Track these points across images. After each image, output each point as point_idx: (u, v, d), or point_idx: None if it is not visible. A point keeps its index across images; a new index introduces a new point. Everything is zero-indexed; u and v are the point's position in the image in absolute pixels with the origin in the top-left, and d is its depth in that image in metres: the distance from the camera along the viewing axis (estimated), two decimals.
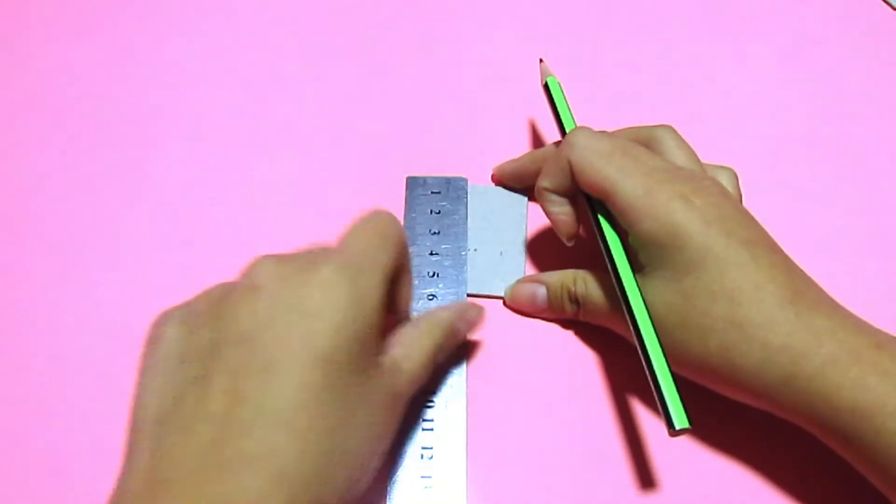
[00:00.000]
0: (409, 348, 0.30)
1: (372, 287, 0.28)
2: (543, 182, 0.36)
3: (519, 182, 0.42)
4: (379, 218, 0.31)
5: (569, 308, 0.37)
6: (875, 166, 0.44)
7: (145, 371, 0.27)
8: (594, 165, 0.33)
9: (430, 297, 0.38)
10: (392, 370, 0.29)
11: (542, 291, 0.37)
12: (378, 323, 0.28)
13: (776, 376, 0.29)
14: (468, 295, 0.39)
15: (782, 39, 0.49)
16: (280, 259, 0.28)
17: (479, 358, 0.37)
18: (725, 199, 0.33)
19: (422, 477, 0.33)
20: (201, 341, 0.26)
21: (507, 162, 0.42)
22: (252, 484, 0.23)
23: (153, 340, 0.28)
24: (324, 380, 0.25)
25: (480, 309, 0.35)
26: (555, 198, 0.36)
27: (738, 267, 0.30)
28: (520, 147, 0.44)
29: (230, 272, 0.37)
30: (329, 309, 0.26)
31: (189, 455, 0.24)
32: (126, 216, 0.42)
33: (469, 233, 0.40)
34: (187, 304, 0.29)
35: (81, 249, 0.40)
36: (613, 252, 0.34)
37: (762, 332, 0.30)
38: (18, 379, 0.36)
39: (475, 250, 0.40)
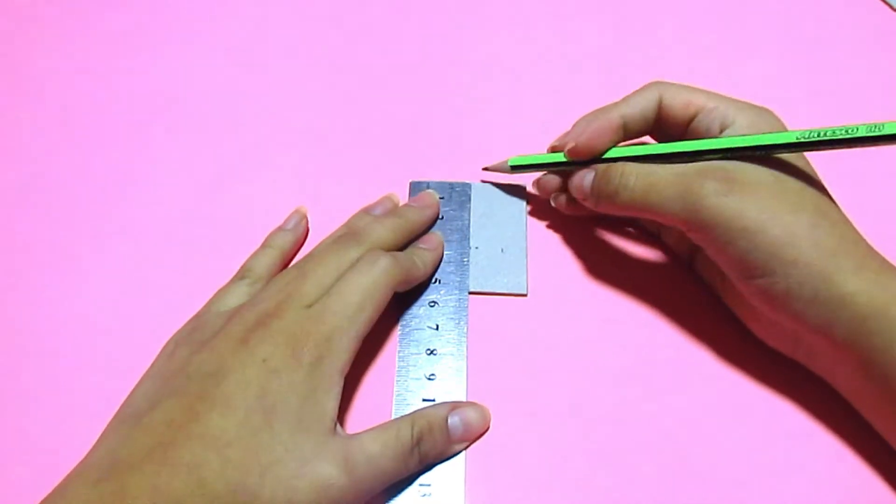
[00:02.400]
0: (376, 433, 0.31)
1: (334, 354, 0.31)
2: (625, 110, 0.36)
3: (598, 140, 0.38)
4: (370, 269, 0.33)
5: (610, 185, 0.35)
6: (875, 166, 0.43)
7: (145, 375, 0.33)
8: (687, 90, 0.35)
9: (432, 304, 0.37)
10: (347, 445, 0.30)
11: (589, 176, 0.36)
12: (335, 386, 0.31)
13: (851, 262, 0.30)
14: (470, 293, 0.38)
15: (782, 39, 0.48)
16: (267, 308, 0.32)
17: (478, 362, 0.36)
18: None
19: (420, 485, 0.32)
20: (192, 363, 0.31)
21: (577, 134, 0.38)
22: (178, 485, 0.27)
23: (162, 352, 0.34)
24: (264, 424, 0.29)
25: (482, 409, 0.34)
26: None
27: (818, 186, 0.33)
28: (521, 148, 0.43)
29: (229, 275, 0.37)
30: (287, 370, 0.30)
31: (145, 448, 0.28)
32: (126, 216, 0.41)
33: (470, 231, 0.40)
34: (195, 326, 0.34)
35: (80, 250, 0.40)
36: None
37: (840, 227, 0.32)
38: (16, 378, 0.36)
39: (476, 248, 0.39)
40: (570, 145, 0.36)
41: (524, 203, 0.41)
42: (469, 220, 0.40)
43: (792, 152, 0.32)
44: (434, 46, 0.48)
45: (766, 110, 0.34)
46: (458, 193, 0.41)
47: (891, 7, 0.49)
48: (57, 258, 0.40)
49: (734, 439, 0.34)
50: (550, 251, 0.40)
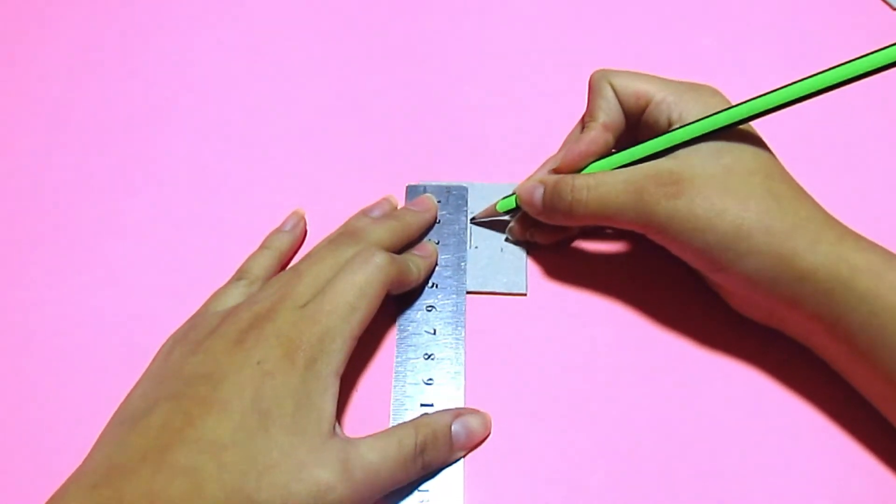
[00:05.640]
0: (377, 440, 0.30)
1: (328, 356, 0.30)
2: (605, 119, 0.36)
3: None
4: (364, 267, 0.32)
5: (563, 201, 0.35)
6: (876, 166, 0.42)
7: (143, 377, 0.33)
8: (635, 78, 0.36)
9: (429, 309, 0.36)
10: (346, 450, 0.29)
11: (539, 190, 0.36)
12: (330, 388, 0.30)
13: (805, 240, 0.31)
14: (469, 293, 0.37)
15: (782, 40, 0.48)
16: (261, 310, 0.32)
17: (477, 365, 0.35)
18: None
19: (419, 490, 0.32)
20: (188, 365, 0.30)
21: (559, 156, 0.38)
22: (174, 490, 0.26)
23: (160, 353, 0.34)
24: (259, 428, 0.28)
25: (483, 417, 0.34)
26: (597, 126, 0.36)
27: (770, 155, 0.34)
28: (521, 148, 0.42)
29: (227, 276, 0.37)
30: (281, 372, 0.29)
31: (141, 452, 0.27)
32: (125, 217, 0.41)
33: (470, 230, 0.39)
34: (192, 326, 0.33)
35: (79, 250, 0.40)
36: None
37: (794, 204, 0.32)
38: (15, 378, 0.36)
39: (476, 248, 0.39)
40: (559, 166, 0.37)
41: None
42: (466, 223, 0.40)
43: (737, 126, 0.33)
44: (431, 49, 0.47)
45: (709, 88, 0.35)
46: (454, 197, 0.40)
47: (891, 7, 0.48)
48: (56, 258, 0.40)
49: (736, 438, 0.34)
50: (549, 250, 0.39)
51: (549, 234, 0.38)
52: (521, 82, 0.46)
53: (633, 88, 0.35)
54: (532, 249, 0.39)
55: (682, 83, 0.35)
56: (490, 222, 0.39)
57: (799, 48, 0.47)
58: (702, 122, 0.33)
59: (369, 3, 0.50)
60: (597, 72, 0.37)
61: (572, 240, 0.39)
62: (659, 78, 0.36)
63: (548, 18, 0.49)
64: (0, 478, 0.33)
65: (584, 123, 0.37)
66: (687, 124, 0.33)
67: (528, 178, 0.37)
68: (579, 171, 0.36)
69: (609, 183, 0.34)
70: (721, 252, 0.32)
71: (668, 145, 0.33)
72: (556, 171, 0.36)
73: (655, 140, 0.34)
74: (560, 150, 0.39)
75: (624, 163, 0.35)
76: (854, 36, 0.47)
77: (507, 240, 0.39)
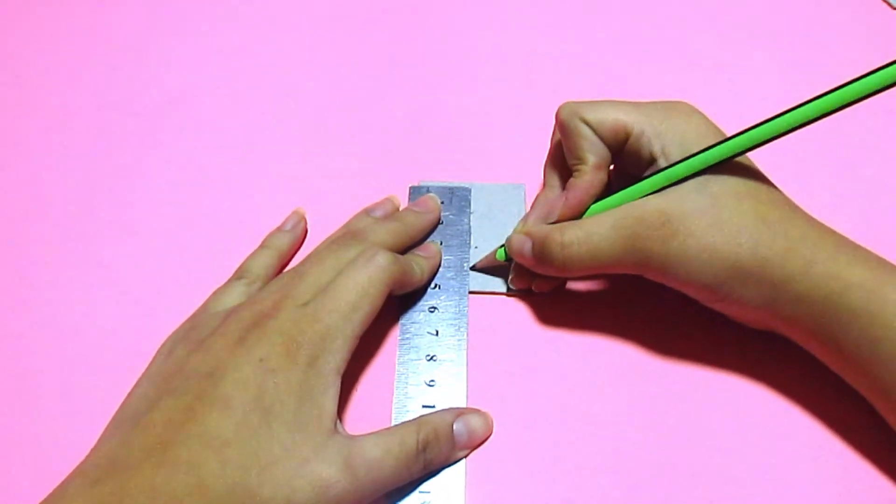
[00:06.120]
0: (380, 437, 0.30)
1: (329, 353, 0.30)
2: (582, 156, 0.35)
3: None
4: (366, 266, 0.33)
5: (556, 259, 0.34)
6: (876, 167, 0.42)
7: (143, 376, 0.33)
8: (606, 109, 0.34)
9: (432, 310, 0.36)
10: (348, 447, 0.29)
11: (528, 245, 0.35)
12: (332, 386, 0.30)
13: (799, 263, 0.31)
14: (470, 293, 0.37)
15: (782, 40, 0.48)
16: (265, 308, 0.32)
17: (479, 366, 0.35)
18: None
19: (420, 492, 0.32)
20: (189, 363, 0.30)
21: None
22: (176, 485, 0.26)
23: (160, 352, 0.34)
24: (262, 424, 0.28)
25: (485, 416, 0.34)
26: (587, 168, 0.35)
27: (755, 174, 0.33)
28: (525, 148, 0.42)
29: (227, 276, 0.37)
30: (283, 370, 0.29)
31: (143, 448, 0.27)
32: (125, 216, 0.41)
33: (470, 230, 0.39)
34: (193, 325, 0.34)
35: (79, 249, 0.40)
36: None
37: (783, 226, 0.31)
38: (16, 378, 0.36)
39: (476, 248, 0.39)
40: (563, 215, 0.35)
41: (523, 202, 0.40)
42: (469, 224, 0.39)
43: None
44: (434, 50, 0.47)
45: (684, 108, 0.34)
46: (458, 198, 0.40)
47: (891, 6, 0.48)
48: (56, 258, 0.39)
49: (736, 440, 0.34)
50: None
51: (549, 282, 0.37)
52: (524, 82, 0.45)
53: (610, 123, 0.34)
54: None
55: (655, 106, 0.34)
56: (488, 221, 0.39)
57: (798, 48, 0.47)
58: (693, 159, 0.32)
59: (373, 4, 0.50)
60: (563, 109, 0.35)
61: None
62: (630, 104, 0.35)
63: (550, 19, 0.49)
64: (0, 478, 0.33)
65: (571, 167, 0.36)
66: (677, 162, 0.32)
67: (519, 225, 0.37)
68: (580, 216, 0.35)
69: (599, 233, 0.33)
70: (718, 286, 0.32)
71: (660, 186, 0.33)
72: (558, 221, 0.35)
73: (643, 183, 0.33)
74: (544, 188, 0.38)
75: (616, 206, 0.34)
76: (854, 36, 0.48)
77: (509, 290, 0.38)
